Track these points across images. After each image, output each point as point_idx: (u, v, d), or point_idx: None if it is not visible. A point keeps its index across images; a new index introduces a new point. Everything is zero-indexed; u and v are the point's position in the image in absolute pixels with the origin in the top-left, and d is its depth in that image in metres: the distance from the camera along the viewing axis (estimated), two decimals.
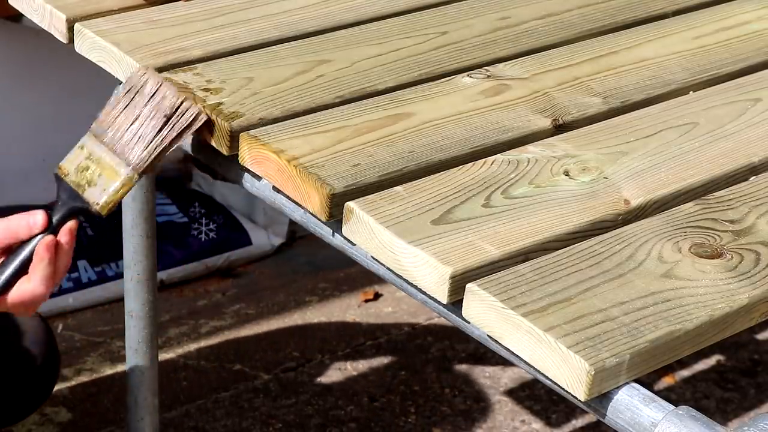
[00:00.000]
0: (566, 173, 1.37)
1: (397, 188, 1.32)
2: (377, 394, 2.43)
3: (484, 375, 2.50)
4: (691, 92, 1.57)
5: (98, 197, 1.41)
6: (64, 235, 1.40)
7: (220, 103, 1.44)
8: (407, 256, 1.22)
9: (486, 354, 2.52)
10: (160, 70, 1.51)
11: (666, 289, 1.19)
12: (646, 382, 2.35)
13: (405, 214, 1.27)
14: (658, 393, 1.14)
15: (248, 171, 1.41)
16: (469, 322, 1.19)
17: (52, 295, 2.52)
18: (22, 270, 1.38)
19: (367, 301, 2.70)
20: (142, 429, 1.90)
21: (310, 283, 2.73)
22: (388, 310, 2.67)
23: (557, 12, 1.75)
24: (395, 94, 1.51)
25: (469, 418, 2.38)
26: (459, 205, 1.29)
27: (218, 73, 1.51)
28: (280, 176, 1.35)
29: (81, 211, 1.41)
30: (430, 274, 1.20)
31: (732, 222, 1.31)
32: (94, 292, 2.57)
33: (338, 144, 1.38)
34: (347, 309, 2.67)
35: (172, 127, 1.39)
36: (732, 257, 1.24)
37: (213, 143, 1.43)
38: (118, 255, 2.52)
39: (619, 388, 1.12)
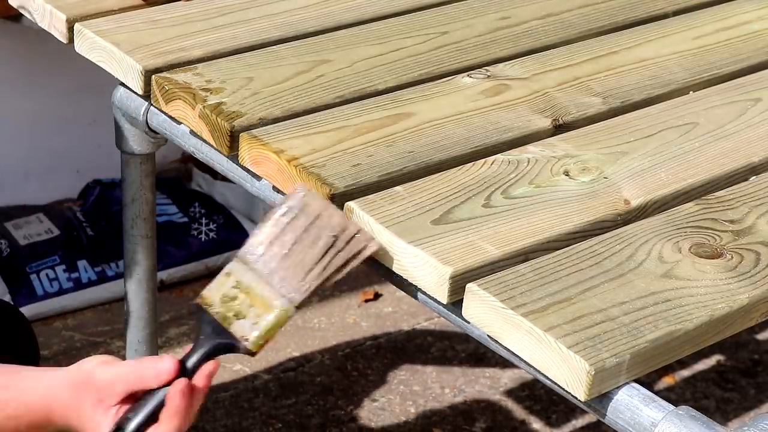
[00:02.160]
0: (566, 173, 1.37)
1: (397, 188, 1.32)
2: (377, 394, 2.43)
3: (484, 375, 2.50)
4: (691, 92, 1.57)
5: (248, 332, 1.21)
6: (202, 379, 1.21)
7: (220, 103, 1.44)
8: (407, 256, 1.22)
9: (486, 354, 2.52)
10: (159, 70, 1.51)
11: (666, 289, 1.19)
12: (646, 382, 2.35)
13: (405, 214, 1.27)
14: (658, 393, 1.14)
15: (248, 171, 1.41)
16: (469, 322, 1.19)
17: (52, 295, 2.52)
18: (153, 417, 1.19)
19: (367, 301, 2.70)
20: None
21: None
22: (388, 310, 2.67)
23: (557, 12, 1.75)
24: (395, 94, 1.51)
25: (469, 418, 2.38)
26: (459, 205, 1.29)
27: (218, 73, 1.51)
28: (280, 176, 1.35)
29: (228, 348, 1.21)
30: (430, 274, 1.20)
31: (732, 222, 1.31)
32: (94, 292, 2.57)
33: (338, 144, 1.38)
34: (347, 309, 2.67)
35: (337, 254, 1.21)
36: (732, 257, 1.24)
37: (213, 143, 1.43)
38: (118, 255, 2.52)
39: (619, 388, 1.12)
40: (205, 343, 1.21)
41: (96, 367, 1.21)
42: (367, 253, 1.22)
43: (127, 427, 1.18)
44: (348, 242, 1.21)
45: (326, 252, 1.21)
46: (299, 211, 1.23)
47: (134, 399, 1.20)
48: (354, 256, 1.21)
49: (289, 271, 1.21)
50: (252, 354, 1.21)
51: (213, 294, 1.23)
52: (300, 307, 1.21)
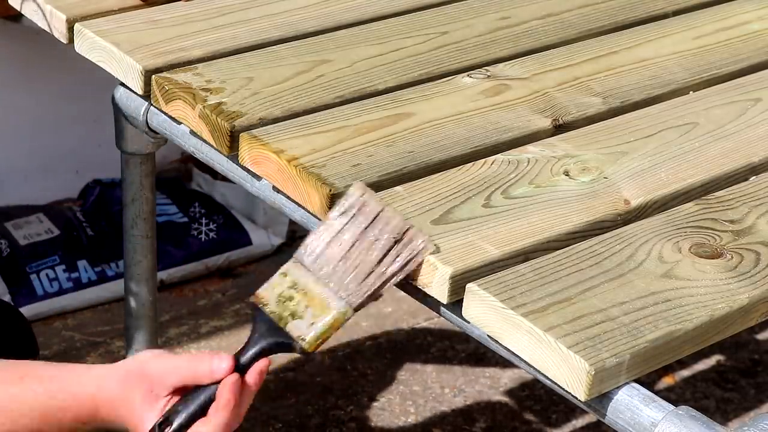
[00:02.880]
0: (566, 173, 1.37)
1: (397, 188, 1.32)
2: (377, 394, 2.43)
3: (484, 375, 2.50)
4: (691, 92, 1.57)
5: (305, 332, 1.20)
6: (254, 375, 1.20)
7: (220, 103, 1.44)
8: None
9: (486, 354, 2.52)
10: (159, 70, 1.51)
11: (666, 289, 1.19)
12: (646, 382, 2.35)
13: (405, 214, 1.27)
14: (658, 393, 1.14)
15: (248, 171, 1.41)
16: (469, 322, 1.19)
17: (52, 295, 2.52)
18: (201, 412, 1.19)
19: None
20: None
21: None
22: (388, 310, 2.67)
23: (557, 12, 1.75)
24: (395, 94, 1.51)
25: (469, 418, 2.38)
26: (459, 205, 1.29)
27: (218, 73, 1.51)
28: (280, 176, 1.35)
29: (282, 347, 1.21)
30: (430, 274, 1.20)
31: (732, 222, 1.31)
32: (94, 292, 2.57)
33: (338, 144, 1.38)
34: None
35: (396, 257, 1.20)
36: (732, 257, 1.24)
37: (213, 143, 1.43)
38: (118, 255, 2.52)
39: (619, 388, 1.12)
40: (260, 341, 1.21)
41: (150, 358, 1.21)
42: (423, 256, 1.20)
43: (175, 420, 1.18)
44: (406, 246, 1.20)
45: (385, 255, 1.19)
46: (357, 210, 1.21)
47: (184, 392, 1.20)
48: (411, 259, 1.20)
49: (348, 273, 1.20)
50: (307, 354, 1.20)
51: (269, 293, 1.23)
52: (358, 309, 1.20)
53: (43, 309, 2.51)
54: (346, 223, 1.21)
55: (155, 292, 1.81)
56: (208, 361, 1.19)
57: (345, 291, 1.19)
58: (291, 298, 1.21)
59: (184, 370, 1.19)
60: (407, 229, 1.20)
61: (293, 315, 1.20)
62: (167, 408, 1.19)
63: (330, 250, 1.21)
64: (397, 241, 1.19)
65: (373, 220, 1.21)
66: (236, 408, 1.19)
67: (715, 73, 1.62)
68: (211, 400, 1.18)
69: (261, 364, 1.20)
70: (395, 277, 1.20)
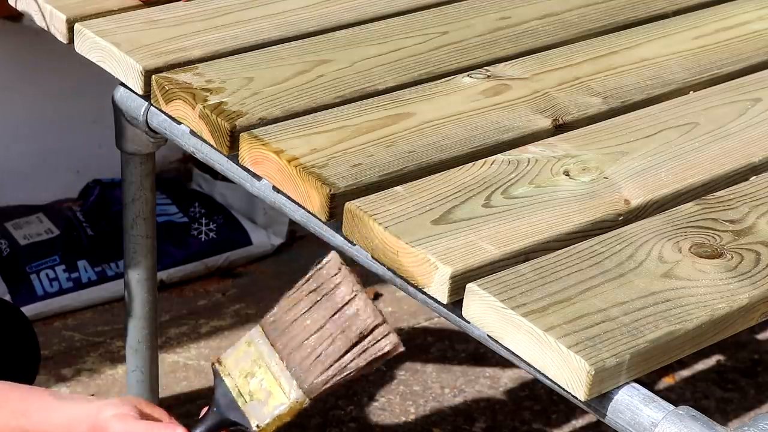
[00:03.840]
0: (566, 173, 1.37)
1: (397, 188, 1.32)
2: (377, 394, 2.43)
3: (484, 375, 2.50)
4: (691, 92, 1.57)
5: (260, 417, 1.20)
6: None
7: (220, 103, 1.44)
8: (407, 256, 1.22)
9: (486, 354, 2.52)
10: (159, 70, 1.51)
11: (666, 289, 1.19)
12: (646, 382, 2.35)
13: (405, 214, 1.27)
14: (658, 393, 1.14)
15: (248, 171, 1.41)
16: (469, 322, 1.19)
17: (52, 295, 2.52)
18: None
19: None
20: None
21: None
22: (388, 310, 2.67)
23: (557, 12, 1.75)
24: (395, 94, 1.51)
25: (469, 418, 2.38)
26: (459, 205, 1.29)
27: (218, 73, 1.51)
28: (280, 176, 1.35)
29: (237, 425, 1.22)
30: (430, 274, 1.20)
31: (732, 222, 1.31)
32: (94, 292, 2.57)
33: (338, 144, 1.38)
34: None
35: (361, 354, 1.17)
36: (732, 257, 1.24)
37: (213, 143, 1.43)
38: (118, 255, 2.52)
39: (619, 388, 1.12)
40: (218, 416, 1.23)
41: (112, 420, 1.25)
42: (390, 356, 1.18)
43: None
44: (373, 344, 1.18)
45: (351, 348, 1.17)
46: (328, 291, 1.19)
47: None
48: (377, 359, 1.18)
49: (310, 359, 1.18)
50: None
51: (232, 361, 1.23)
52: (313, 399, 1.20)
53: (43, 309, 2.51)
54: (316, 302, 1.19)
55: (155, 292, 1.81)
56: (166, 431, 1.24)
57: (304, 380, 1.19)
58: (253, 375, 1.21)
59: None
60: (377, 328, 1.18)
61: (251, 395, 1.21)
62: None
63: (295, 329, 1.20)
64: (363, 337, 1.17)
65: (343, 306, 1.19)
66: None
67: (716, 73, 1.62)
68: None
69: None
70: (356, 374, 1.19)
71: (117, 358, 2.44)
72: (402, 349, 1.18)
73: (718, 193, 1.36)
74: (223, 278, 2.74)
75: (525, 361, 1.15)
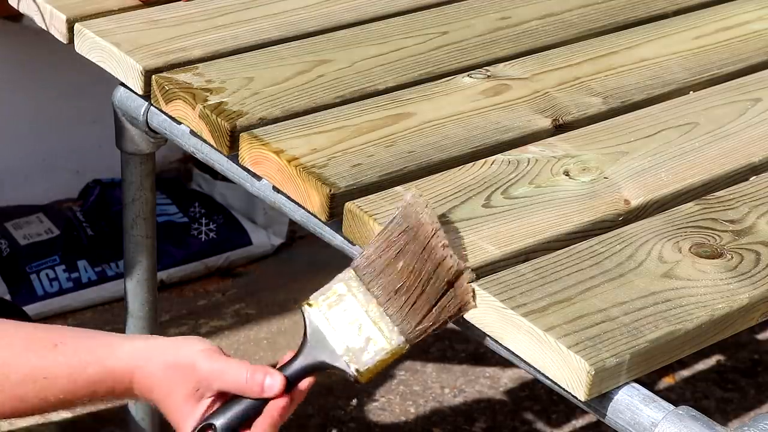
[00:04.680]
0: (566, 173, 1.37)
1: (398, 188, 1.32)
2: (377, 394, 2.43)
3: (484, 375, 2.50)
4: (691, 92, 1.57)
5: (360, 361, 1.17)
6: (299, 394, 1.19)
7: (220, 103, 1.44)
8: None
9: (486, 354, 2.52)
10: (159, 70, 1.51)
11: (666, 289, 1.19)
12: (646, 382, 2.35)
13: None
14: (658, 393, 1.14)
15: (248, 171, 1.41)
16: (469, 322, 1.19)
17: (52, 295, 2.52)
18: (245, 423, 1.17)
19: None
20: (143, 429, 1.90)
21: (310, 283, 2.71)
22: None
23: (557, 12, 1.75)
24: (395, 94, 1.51)
25: (469, 418, 2.38)
26: (459, 205, 1.29)
27: (219, 73, 1.51)
28: (280, 176, 1.35)
29: (331, 368, 1.18)
30: None
31: (732, 222, 1.31)
32: (94, 292, 2.57)
33: (338, 144, 1.38)
34: None
35: (450, 302, 1.15)
36: (732, 257, 1.24)
37: (213, 143, 1.43)
38: (118, 255, 2.52)
39: (619, 388, 1.12)
40: (310, 357, 1.18)
41: (199, 355, 1.18)
42: (471, 306, 1.17)
43: (218, 425, 1.16)
44: (458, 293, 1.16)
45: (441, 296, 1.15)
46: (414, 233, 1.16)
47: (227, 397, 1.18)
48: (462, 308, 1.16)
49: (406, 308, 1.16)
50: (358, 383, 1.17)
51: (324, 305, 1.18)
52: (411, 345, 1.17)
53: (43, 309, 2.51)
54: (405, 245, 1.16)
55: (155, 292, 1.81)
56: (261, 376, 1.17)
57: (403, 326, 1.16)
58: (350, 319, 1.17)
59: (235, 379, 1.17)
60: (461, 273, 1.15)
61: (349, 340, 1.16)
62: (209, 411, 1.18)
63: (389, 273, 1.16)
64: (450, 285, 1.15)
65: (427, 247, 1.15)
66: (278, 426, 1.17)
67: (716, 73, 1.62)
68: (255, 413, 1.17)
69: (306, 383, 1.18)
70: (445, 324, 1.17)
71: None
72: (475, 301, 1.16)
73: (718, 193, 1.36)
74: (223, 278, 2.74)
75: (525, 361, 1.15)
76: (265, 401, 1.17)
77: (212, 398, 1.18)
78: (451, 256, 1.15)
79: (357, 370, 1.17)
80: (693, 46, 1.68)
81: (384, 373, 2.47)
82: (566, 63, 1.61)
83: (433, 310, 1.16)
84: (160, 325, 2.40)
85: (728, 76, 1.62)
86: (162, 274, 2.61)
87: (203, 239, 2.70)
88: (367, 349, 1.17)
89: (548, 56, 1.62)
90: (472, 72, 1.56)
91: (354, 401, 2.40)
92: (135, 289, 1.79)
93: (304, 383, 1.19)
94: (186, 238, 2.69)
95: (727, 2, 1.81)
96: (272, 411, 1.17)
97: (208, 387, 1.18)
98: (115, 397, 1.22)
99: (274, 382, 1.17)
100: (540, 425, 2.39)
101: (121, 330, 1.84)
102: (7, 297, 2.47)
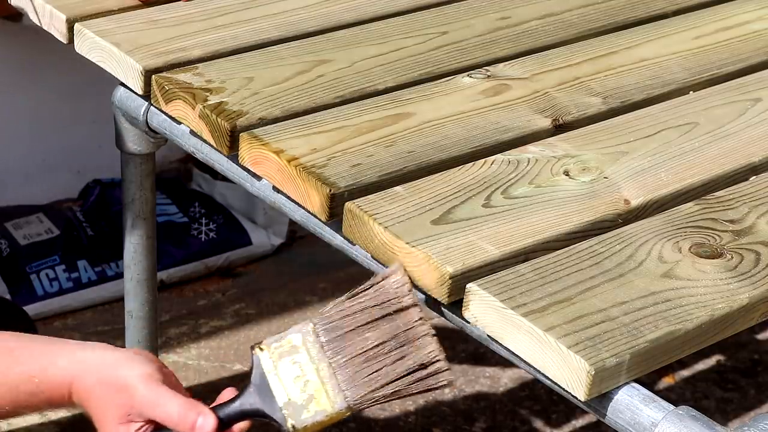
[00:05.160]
0: (566, 173, 1.37)
1: (397, 188, 1.32)
2: None
3: (484, 375, 2.50)
4: (691, 92, 1.57)
5: (298, 418, 1.13)
6: None
7: (220, 103, 1.44)
8: (407, 256, 1.22)
9: (486, 354, 2.52)
10: (159, 70, 1.51)
11: (666, 289, 1.19)
12: (646, 382, 2.35)
13: (405, 214, 1.27)
14: (658, 393, 1.14)
15: (248, 171, 1.41)
16: (469, 322, 1.19)
17: (52, 295, 2.52)
18: None
19: None
20: None
21: (310, 283, 2.73)
22: None
23: (557, 12, 1.75)
24: (395, 94, 1.51)
25: (469, 418, 2.38)
26: (459, 205, 1.29)
27: (218, 73, 1.51)
28: (280, 176, 1.35)
29: (267, 418, 1.15)
30: (430, 274, 1.20)
31: (732, 222, 1.31)
32: (94, 292, 2.57)
33: (338, 144, 1.38)
34: None
35: (416, 382, 1.12)
36: (732, 257, 1.24)
37: (213, 143, 1.43)
38: (118, 255, 2.52)
39: (619, 388, 1.12)
40: (248, 403, 1.16)
41: (137, 379, 1.17)
42: (439, 389, 1.14)
43: None
44: (431, 377, 1.13)
45: (407, 375, 1.13)
46: (394, 311, 1.14)
47: (158, 427, 1.18)
48: (428, 389, 1.14)
49: (362, 376, 1.13)
50: None
51: (275, 353, 1.15)
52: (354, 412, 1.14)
53: (43, 309, 2.51)
54: (379, 319, 1.14)
55: (155, 292, 1.81)
56: (193, 416, 1.15)
57: (352, 392, 1.13)
58: (298, 373, 1.14)
59: (167, 413, 1.16)
60: (438, 361, 1.13)
61: (291, 395, 1.14)
62: None
63: (352, 339, 1.14)
64: (423, 367, 1.13)
65: (407, 330, 1.13)
66: None
67: (715, 73, 1.62)
68: None
69: (241, 426, 1.17)
70: (405, 398, 1.14)
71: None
72: (449, 384, 1.14)
73: (718, 193, 1.36)
74: (223, 278, 2.74)
75: (525, 361, 1.15)
76: None
77: (142, 425, 1.18)
78: (432, 344, 1.14)
79: (293, 426, 1.14)
80: (693, 46, 1.68)
81: None
82: (566, 63, 1.61)
83: (389, 385, 1.13)
84: (160, 325, 2.41)
85: (728, 76, 1.62)
86: (162, 274, 2.61)
87: (203, 239, 2.70)
88: (308, 408, 1.14)
89: (548, 56, 1.62)
90: (471, 72, 1.56)
91: None
92: (135, 289, 1.79)
93: (238, 427, 1.17)
94: (186, 238, 2.69)
95: (727, 2, 1.81)
96: None
97: (139, 414, 1.17)
98: (57, 406, 1.22)
99: (206, 424, 1.15)
100: (540, 425, 2.39)
101: (122, 330, 1.84)
102: (7, 297, 2.47)
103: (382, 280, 1.17)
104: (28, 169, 2.74)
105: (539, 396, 2.45)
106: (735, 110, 1.52)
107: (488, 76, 1.56)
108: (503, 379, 2.49)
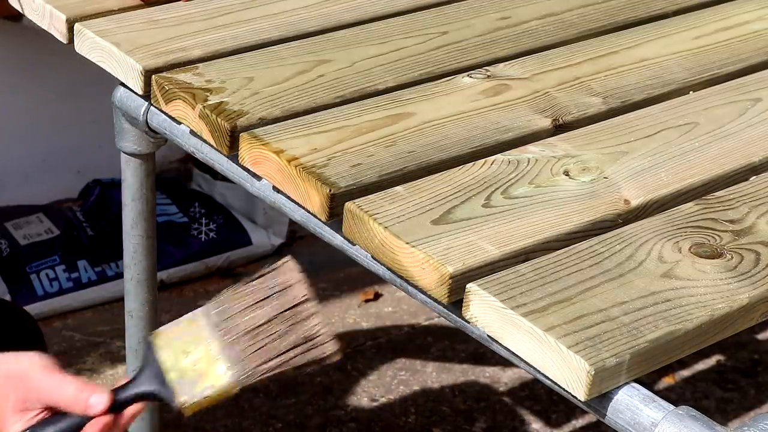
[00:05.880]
0: (566, 173, 1.37)
1: (397, 188, 1.32)
2: (377, 394, 2.43)
3: (484, 375, 2.50)
4: (691, 92, 1.57)
5: (189, 394, 1.19)
6: (126, 418, 1.21)
7: (220, 103, 1.44)
8: (407, 256, 1.22)
9: (486, 354, 2.52)
10: (159, 70, 1.51)
11: (666, 289, 1.19)
12: (646, 382, 2.35)
13: (405, 214, 1.27)
14: (658, 393, 1.14)
15: (248, 171, 1.41)
16: (469, 322, 1.19)
17: (52, 295, 2.52)
18: None
19: (367, 301, 2.70)
20: (142, 429, 1.90)
21: (310, 283, 2.72)
22: (388, 310, 2.67)
23: (557, 12, 1.75)
24: (395, 93, 1.51)
25: (469, 418, 2.38)
26: (459, 205, 1.29)
27: (219, 73, 1.51)
28: (280, 176, 1.35)
29: (161, 399, 1.20)
30: (430, 274, 1.20)
31: (732, 222, 1.31)
32: (94, 292, 2.58)
33: (338, 144, 1.38)
34: (347, 309, 2.67)
35: (304, 353, 1.18)
36: (732, 257, 1.24)
37: (213, 143, 1.43)
38: (118, 255, 2.52)
39: (619, 388, 1.12)
40: (143, 385, 1.20)
41: (34, 369, 1.21)
42: (324, 360, 1.19)
43: None
44: (316, 347, 1.18)
45: (293, 348, 1.18)
46: (280, 291, 1.20)
47: (54, 410, 1.20)
48: (314, 361, 1.19)
49: (251, 349, 1.18)
50: (183, 414, 1.20)
51: (168, 337, 1.21)
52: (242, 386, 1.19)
53: (43, 309, 2.51)
54: (266, 298, 1.19)
55: (155, 292, 1.81)
56: (87, 394, 1.19)
57: (240, 366, 1.18)
58: (189, 353, 1.19)
59: (62, 394, 1.19)
60: (321, 334, 1.18)
61: (183, 372, 1.19)
62: (33, 422, 1.19)
63: (242, 318, 1.19)
64: (309, 339, 1.18)
65: (293, 306, 1.19)
66: None
67: (715, 73, 1.62)
68: (78, 429, 1.19)
69: (135, 408, 1.21)
70: (291, 368, 1.19)
71: (117, 358, 2.44)
72: (336, 356, 1.19)
73: (718, 193, 1.36)
74: (223, 278, 2.74)
75: (525, 361, 1.15)
76: (89, 419, 1.19)
77: (39, 411, 1.20)
78: (316, 317, 1.18)
79: (182, 402, 1.19)
80: (693, 46, 1.68)
81: (384, 373, 2.48)
82: (566, 63, 1.61)
83: (278, 358, 1.17)
84: (160, 325, 2.41)
85: (728, 76, 1.62)
86: (162, 274, 2.61)
87: (203, 239, 2.70)
88: (197, 384, 1.18)
89: (548, 56, 1.62)
90: (472, 72, 1.56)
91: (354, 401, 2.40)
92: (135, 289, 1.79)
93: (131, 410, 1.21)
94: (186, 238, 2.69)
95: (727, 2, 1.81)
96: (92, 428, 1.19)
97: (37, 399, 1.20)
98: None
99: (99, 401, 1.18)
100: (540, 425, 2.39)
101: (122, 330, 1.84)
102: (7, 297, 2.47)
103: (273, 270, 1.22)
104: (28, 169, 2.74)
105: (539, 396, 2.45)
106: (735, 110, 1.52)
107: (488, 76, 1.56)
108: (503, 379, 2.49)
